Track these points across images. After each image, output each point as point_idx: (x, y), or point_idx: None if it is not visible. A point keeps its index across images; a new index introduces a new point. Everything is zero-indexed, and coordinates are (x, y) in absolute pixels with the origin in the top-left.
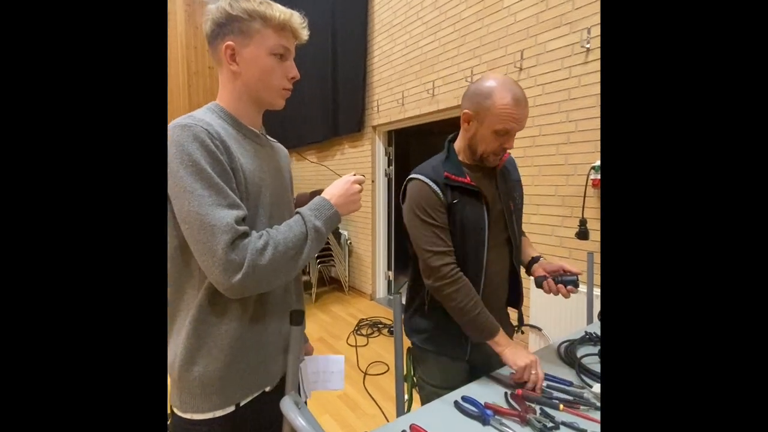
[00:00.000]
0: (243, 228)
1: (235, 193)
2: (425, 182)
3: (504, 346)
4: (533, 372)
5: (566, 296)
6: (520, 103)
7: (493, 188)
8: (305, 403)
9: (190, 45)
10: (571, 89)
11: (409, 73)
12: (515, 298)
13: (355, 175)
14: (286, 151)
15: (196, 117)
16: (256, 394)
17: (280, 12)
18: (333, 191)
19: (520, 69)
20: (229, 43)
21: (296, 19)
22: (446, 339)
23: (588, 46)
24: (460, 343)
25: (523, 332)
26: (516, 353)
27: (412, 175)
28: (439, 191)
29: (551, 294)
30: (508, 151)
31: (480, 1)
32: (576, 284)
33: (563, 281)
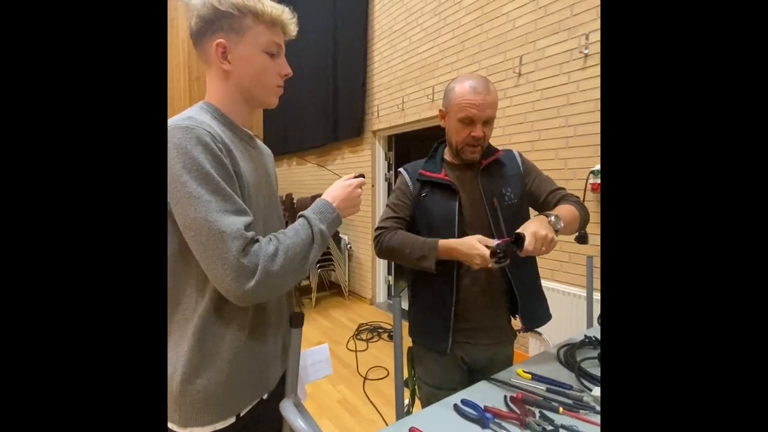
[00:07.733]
0: (251, 234)
1: (240, 198)
2: (402, 173)
3: (454, 245)
4: (479, 251)
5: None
6: (477, 91)
7: (476, 186)
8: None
9: (192, 52)
10: (569, 94)
11: (409, 78)
12: (513, 304)
13: (356, 177)
14: (270, 152)
15: (196, 119)
16: (254, 403)
17: (272, 7)
18: (335, 194)
19: (519, 74)
20: (220, 40)
21: (287, 14)
22: (427, 328)
23: (586, 51)
24: (439, 333)
25: (516, 335)
26: (465, 245)
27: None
28: (409, 181)
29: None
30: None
31: (479, 8)
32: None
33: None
